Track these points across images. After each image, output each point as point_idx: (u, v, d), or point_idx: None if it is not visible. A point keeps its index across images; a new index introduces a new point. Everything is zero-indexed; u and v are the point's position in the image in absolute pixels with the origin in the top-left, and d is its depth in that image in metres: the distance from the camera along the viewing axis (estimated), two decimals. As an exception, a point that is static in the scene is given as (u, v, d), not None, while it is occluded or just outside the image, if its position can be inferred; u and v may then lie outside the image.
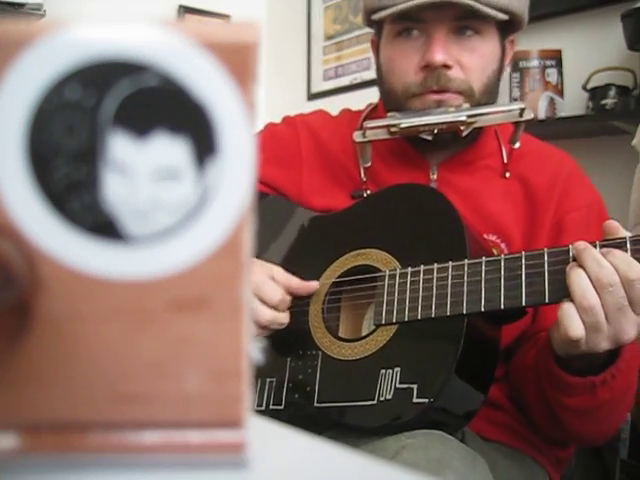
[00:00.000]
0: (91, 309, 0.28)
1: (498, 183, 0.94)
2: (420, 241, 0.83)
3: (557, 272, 0.70)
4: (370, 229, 0.88)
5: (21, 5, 2.17)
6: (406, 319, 0.78)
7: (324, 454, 0.31)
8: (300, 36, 2.94)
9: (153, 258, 0.28)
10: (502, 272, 0.73)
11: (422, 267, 0.79)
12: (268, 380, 0.86)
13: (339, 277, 0.87)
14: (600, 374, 0.72)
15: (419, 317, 0.77)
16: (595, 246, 0.68)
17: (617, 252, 0.67)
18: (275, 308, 0.83)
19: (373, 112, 1.04)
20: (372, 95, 1.07)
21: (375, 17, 0.91)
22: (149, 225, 0.27)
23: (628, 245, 0.68)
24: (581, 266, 0.67)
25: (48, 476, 0.28)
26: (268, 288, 0.83)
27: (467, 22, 0.87)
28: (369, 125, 0.91)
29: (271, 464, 0.30)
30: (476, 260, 0.75)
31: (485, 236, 0.88)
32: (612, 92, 1.73)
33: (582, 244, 0.68)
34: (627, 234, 0.69)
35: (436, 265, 0.78)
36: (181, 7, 2.82)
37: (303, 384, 0.83)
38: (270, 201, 1.00)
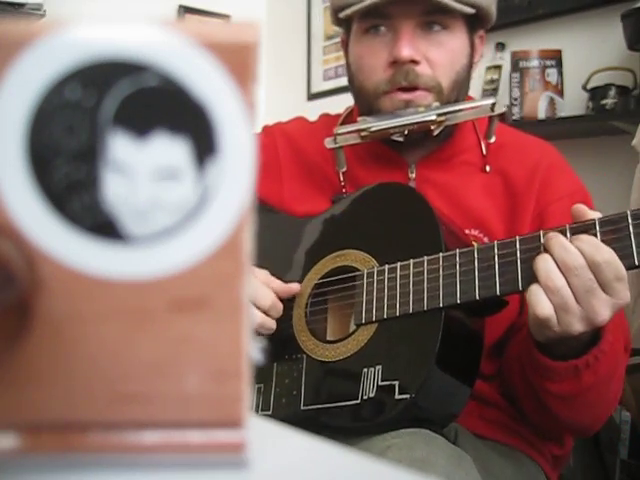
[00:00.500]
0: (91, 309, 0.28)
1: (478, 178, 0.94)
2: (397, 239, 0.83)
3: (529, 259, 0.70)
4: (348, 230, 0.89)
5: (21, 5, 2.17)
6: (385, 317, 0.78)
7: (324, 454, 0.31)
8: (300, 36, 2.94)
9: (153, 258, 0.28)
10: (476, 263, 0.74)
11: (398, 264, 0.79)
12: (256, 386, 0.87)
13: (319, 280, 0.88)
14: (583, 357, 0.72)
15: (397, 314, 0.77)
16: (565, 229, 0.69)
17: (584, 237, 0.68)
18: (266, 313, 0.84)
19: (350, 116, 1.04)
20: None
21: (342, 15, 0.91)
22: (149, 225, 0.27)
23: (597, 227, 0.68)
24: (548, 252, 0.68)
25: (48, 476, 0.28)
26: (260, 292, 0.84)
27: (434, 17, 0.88)
28: (339, 131, 0.92)
29: (271, 464, 0.30)
30: (450, 253, 0.76)
31: (467, 231, 0.88)
32: (612, 92, 1.73)
33: (551, 234, 0.69)
34: (597, 215, 0.70)
35: (412, 260, 0.78)
36: (181, 7, 2.82)
37: (289, 388, 0.84)
38: None
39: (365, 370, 0.77)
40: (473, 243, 0.83)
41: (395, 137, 0.89)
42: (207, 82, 0.26)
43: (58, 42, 0.26)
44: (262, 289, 0.84)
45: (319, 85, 2.87)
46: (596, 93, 1.77)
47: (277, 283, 0.86)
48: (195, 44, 0.26)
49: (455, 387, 0.77)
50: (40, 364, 0.28)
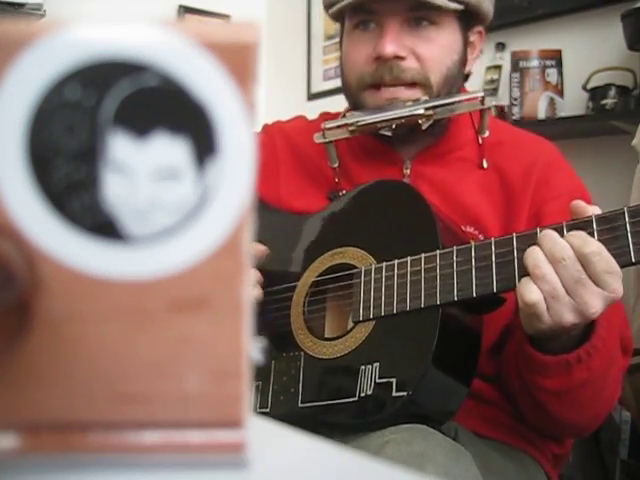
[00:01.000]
0: (91, 309, 0.28)
1: (474, 174, 0.93)
2: (394, 236, 0.84)
3: None
4: (345, 228, 0.89)
5: (21, 5, 2.17)
6: (382, 314, 0.78)
7: (323, 454, 0.31)
8: (300, 36, 2.94)
9: (153, 258, 0.28)
10: (473, 260, 0.74)
11: (396, 261, 0.79)
12: (254, 384, 0.87)
13: (317, 277, 0.88)
14: (574, 351, 0.73)
15: (395, 311, 0.77)
16: (562, 227, 0.70)
17: (574, 232, 0.69)
18: None
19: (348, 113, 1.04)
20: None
21: (331, 11, 0.93)
22: (149, 225, 0.27)
23: (594, 224, 0.69)
24: (539, 246, 0.69)
25: (48, 476, 0.28)
26: None
27: (422, 13, 0.88)
28: (327, 126, 0.92)
29: (271, 464, 0.30)
30: (447, 250, 0.76)
31: (463, 228, 0.88)
32: (612, 92, 1.73)
33: (545, 231, 0.70)
34: (596, 211, 0.70)
35: (409, 258, 0.78)
36: (181, 7, 2.81)
37: (287, 385, 0.84)
38: None
39: (363, 367, 0.77)
40: (470, 241, 0.83)
41: (383, 131, 0.89)
42: (207, 82, 0.26)
43: (58, 42, 0.26)
44: None
45: (319, 85, 2.87)
46: (596, 93, 1.77)
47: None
48: (195, 44, 0.26)
49: (453, 384, 0.77)
50: (40, 364, 0.28)
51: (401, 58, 0.88)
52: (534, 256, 0.69)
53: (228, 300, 0.28)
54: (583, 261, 0.67)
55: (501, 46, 2.06)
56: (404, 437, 0.68)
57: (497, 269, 0.72)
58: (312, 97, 2.89)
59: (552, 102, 1.84)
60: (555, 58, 1.87)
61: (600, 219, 0.69)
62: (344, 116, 1.04)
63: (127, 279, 0.28)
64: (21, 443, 0.28)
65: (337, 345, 0.81)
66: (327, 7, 0.94)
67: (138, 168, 0.27)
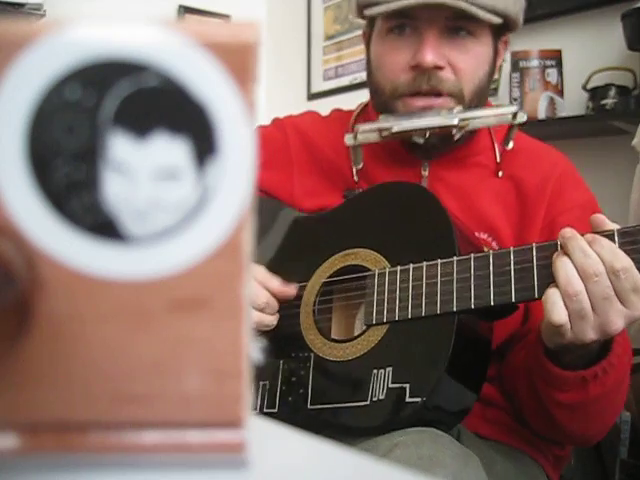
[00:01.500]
0: (91, 309, 0.28)
1: (490, 182, 0.93)
2: (409, 240, 0.83)
3: (546, 267, 0.70)
4: (359, 229, 0.89)
5: (21, 5, 2.17)
6: (397, 318, 0.78)
7: (324, 454, 0.31)
8: (300, 36, 2.94)
9: (153, 258, 0.28)
10: (491, 268, 0.73)
11: (411, 266, 0.79)
12: (262, 383, 0.86)
13: (329, 278, 0.87)
14: (591, 368, 0.72)
15: (409, 316, 0.77)
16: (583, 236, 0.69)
17: (604, 241, 0.67)
18: (261, 311, 0.83)
19: (364, 111, 1.03)
20: (372, 95, 1.07)
21: (367, 13, 0.90)
22: (149, 225, 0.27)
23: (616, 238, 0.68)
24: (567, 254, 0.68)
25: (48, 476, 0.28)
26: (254, 291, 0.83)
27: (461, 23, 0.87)
28: (361, 128, 0.91)
29: (271, 464, 0.30)
30: (465, 257, 0.75)
31: (476, 234, 0.88)
32: (612, 92, 1.73)
33: (569, 231, 0.69)
34: (615, 227, 0.70)
35: (425, 263, 0.78)
36: (181, 7, 2.82)
37: (296, 386, 0.83)
38: (259, 203, 1.00)
39: (375, 371, 0.76)
40: (483, 247, 0.83)
41: (415, 139, 0.88)
42: (207, 82, 0.26)
43: (58, 42, 0.26)
44: (255, 287, 0.84)
45: (319, 85, 2.87)
46: (596, 93, 1.77)
47: (275, 284, 0.86)
48: (195, 44, 0.26)
49: (464, 390, 0.77)
50: (40, 364, 0.28)
51: (440, 68, 0.87)
52: (566, 270, 0.67)
53: (228, 300, 0.28)
54: (612, 277, 0.66)
55: (501, 46, 2.06)
56: (413, 439, 0.68)
57: (516, 279, 0.72)
58: (312, 97, 2.89)
59: (552, 102, 1.84)
60: (555, 58, 1.87)
61: (622, 233, 0.68)
62: (360, 114, 1.02)
63: (127, 279, 0.28)
64: (21, 443, 0.28)
65: (349, 347, 0.81)
66: (362, 7, 0.91)
67: (138, 168, 0.27)
